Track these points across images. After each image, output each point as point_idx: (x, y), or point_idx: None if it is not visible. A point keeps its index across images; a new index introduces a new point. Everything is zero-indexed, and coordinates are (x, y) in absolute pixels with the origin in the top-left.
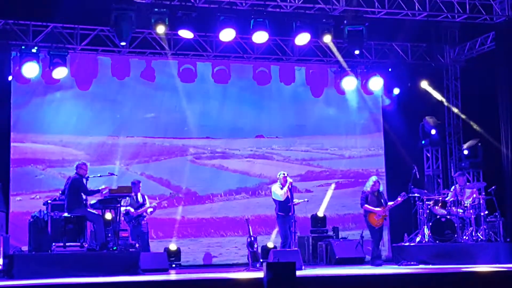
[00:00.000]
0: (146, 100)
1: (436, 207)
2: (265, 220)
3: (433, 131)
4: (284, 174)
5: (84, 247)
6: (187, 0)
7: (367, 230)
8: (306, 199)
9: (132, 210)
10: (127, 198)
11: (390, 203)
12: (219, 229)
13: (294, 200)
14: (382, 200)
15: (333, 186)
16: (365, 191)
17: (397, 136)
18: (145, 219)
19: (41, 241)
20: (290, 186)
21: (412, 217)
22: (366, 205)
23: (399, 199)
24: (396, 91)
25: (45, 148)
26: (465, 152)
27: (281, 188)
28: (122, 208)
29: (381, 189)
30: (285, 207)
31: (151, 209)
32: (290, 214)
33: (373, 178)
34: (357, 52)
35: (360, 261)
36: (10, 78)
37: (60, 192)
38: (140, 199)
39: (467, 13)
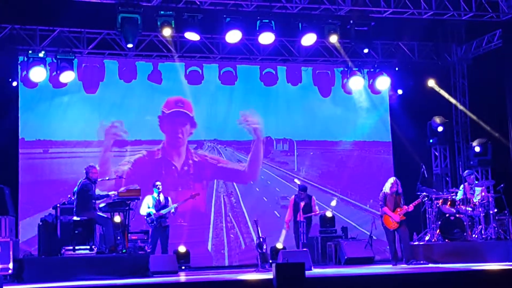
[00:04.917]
0: (153, 102)
1: (445, 206)
2: (274, 221)
3: (440, 128)
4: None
5: (93, 250)
6: (193, 2)
7: (376, 230)
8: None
9: (154, 211)
10: (150, 200)
11: (409, 206)
12: (228, 231)
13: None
14: (400, 202)
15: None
16: (384, 192)
17: (405, 135)
18: (167, 220)
19: (50, 245)
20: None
21: (421, 216)
22: (385, 207)
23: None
24: (400, 92)
25: (53, 152)
26: (477, 149)
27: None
28: (145, 211)
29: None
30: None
31: (173, 210)
32: (298, 218)
33: (392, 179)
34: (366, 50)
35: (369, 261)
36: (14, 83)
37: (69, 195)
38: (162, 200)
39: (473, 11)
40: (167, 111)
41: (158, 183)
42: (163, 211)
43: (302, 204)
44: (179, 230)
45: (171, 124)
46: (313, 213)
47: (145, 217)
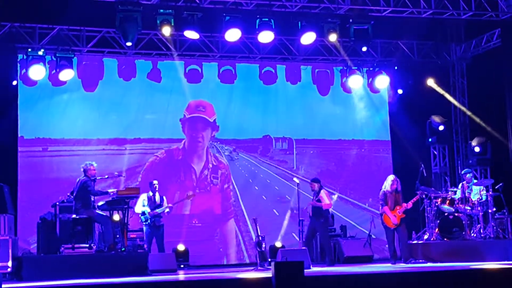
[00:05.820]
0: (152, 101)
1: (444, 205)
2: (273, 219)
3: (441, 127)
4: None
5: (92, 249)
6: (192, 1)
7: (374, 229)
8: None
9: (148, 210)
10: (146, 198)
11: (407, 203)
12: (227, 229)
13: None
14: (400, 200)
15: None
16: (385, 190)
17: (404, 134)
18: (161, 220)
19: (49, 243)
20: (297, 188)
21: (420, 215)
22: (385, 207)
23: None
24: (400, 91)
25: (52, 150)
26: (477, 149)
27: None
28: (140, 209)
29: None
30: None
31: (167, 209)
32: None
33: (391, 176)
34: (364, 48)
35: (368, 260)
36: (14, 82)
37: (69, 194)
38: (157, 199)
39: (472, 10)
40: (188, 115)
41: (155, 181)
42: (157, 210)
43: (315, 197)
44: (191, 230)
45: (191, 129)
46: (311, 202)
47: (140, 215)
